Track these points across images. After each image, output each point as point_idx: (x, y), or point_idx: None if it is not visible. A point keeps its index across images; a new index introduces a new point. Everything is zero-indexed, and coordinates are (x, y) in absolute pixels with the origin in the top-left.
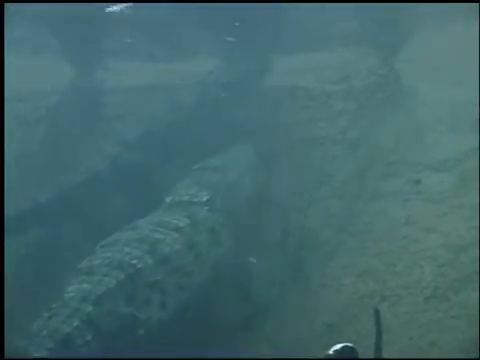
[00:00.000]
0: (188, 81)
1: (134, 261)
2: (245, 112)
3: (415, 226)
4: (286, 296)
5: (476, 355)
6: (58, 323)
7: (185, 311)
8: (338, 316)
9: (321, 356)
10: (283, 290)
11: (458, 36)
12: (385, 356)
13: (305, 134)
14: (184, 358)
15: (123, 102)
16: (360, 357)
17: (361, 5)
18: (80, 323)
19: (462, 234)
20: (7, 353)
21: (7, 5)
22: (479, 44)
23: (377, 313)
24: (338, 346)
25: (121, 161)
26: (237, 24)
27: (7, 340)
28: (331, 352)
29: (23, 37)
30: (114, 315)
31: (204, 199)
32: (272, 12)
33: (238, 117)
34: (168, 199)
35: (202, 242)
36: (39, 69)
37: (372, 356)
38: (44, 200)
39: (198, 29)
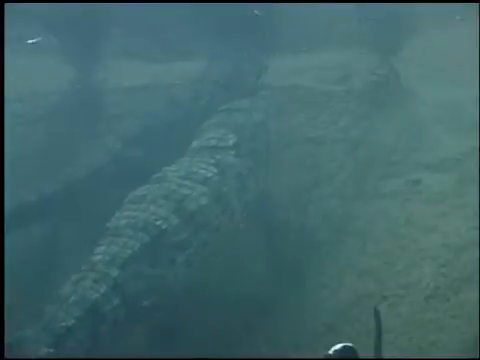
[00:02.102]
0: (186, 80)
1: (159, 222)
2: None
3: (415, 226)
4: (286, 296)
5: (476, 355)
6: (85, 289)
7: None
8: (338, 316)
9: (321, 356)
10: (283, 290)
11: (458, 36)
12: (385, 356)
13: (305, 134)
14: (184, 358)
15: (123, 101)
16: (360, 357)
17: (361, 5)
18: (107, 288)
19: (462, 234)
20: (10, 352)
21: (7, 5)
22: (479, 44)
23: (377, 313)
24: (338, 346)
25: (122, 157)
26: (256, 12)
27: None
28: (331, 352)
29: (23, 37)
30: (140, 278)
31: (231, 143)
32: (272, 12)
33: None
34: (195, 143)
35: (229, 192)
36: (39, 69)
37: (372, 356)
38: (48, 194)
39: (197, 29)
